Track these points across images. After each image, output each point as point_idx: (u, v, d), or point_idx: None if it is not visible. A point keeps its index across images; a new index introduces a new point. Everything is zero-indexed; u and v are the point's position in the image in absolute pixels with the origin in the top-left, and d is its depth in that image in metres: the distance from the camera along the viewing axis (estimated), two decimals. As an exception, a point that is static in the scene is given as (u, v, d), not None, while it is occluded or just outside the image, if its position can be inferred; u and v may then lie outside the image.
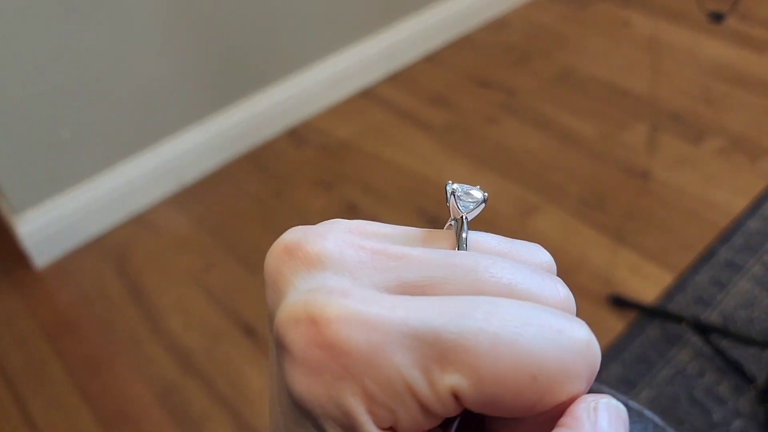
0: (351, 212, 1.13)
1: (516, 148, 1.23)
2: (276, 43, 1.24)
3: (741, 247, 1.03)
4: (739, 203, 1.09)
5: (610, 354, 0.91)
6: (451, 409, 0.14)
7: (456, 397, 0.14)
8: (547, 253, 0.18)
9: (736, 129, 1.22)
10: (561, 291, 0.16)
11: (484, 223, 1.09)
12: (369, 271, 0.16)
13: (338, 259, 0.16)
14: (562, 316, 0.15)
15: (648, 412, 0.38)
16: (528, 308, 0.15)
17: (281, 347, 0.15)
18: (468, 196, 0.19)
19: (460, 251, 0.17)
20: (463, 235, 0.18)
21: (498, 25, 1.54)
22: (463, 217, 0.19)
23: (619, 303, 0.96)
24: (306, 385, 0.15)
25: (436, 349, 0.14)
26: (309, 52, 1.30)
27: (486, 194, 0.19)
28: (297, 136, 1.31)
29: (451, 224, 0.19)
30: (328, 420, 0.15)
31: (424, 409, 0.14)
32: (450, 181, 0.20)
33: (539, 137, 1.24)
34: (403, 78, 1.42)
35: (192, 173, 1.22)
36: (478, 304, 0.14)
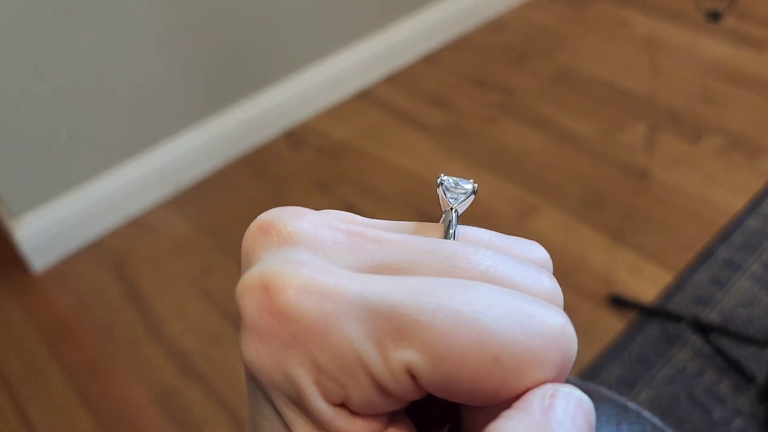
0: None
1: (514, 148, 1.23)
2: (273, 45, 1.24)
3: (740, 246, 1.03)
4: (738, 202, 1.09)
5: (609, 354, 0.91)
6: (408, 389, 0.14)
7: (412, 375, 0.13)
8: (543, 250, 0.17)
9: (734, 128, 1.22)
10: (545, 282, 0.15)
11: (482, 223, 1.08)
12: (343, 251, 0.15)
13: (312, 238, 0.15)
14: (537, 302, 0.14)
15: (647, 413, 0.38)
16: (500, 291, 0.14)
17: (238, 316, 0.15)
18: (457, 188, 0.19)
19: (442, 239, 0.16)
20: (451, 229, 0.17)
21: (496, 26, 1.54)
22: (453, 209, 0.18)
23: (619, 303, 0.96)
24: (255, 352, 0.14)
25: (392, 324, 0.13)
26: (306, 54, 1.30)
27: (476, 185, 0.19)
28: (295, 137, 1.31)
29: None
30: (277, 391, 0.14)
31: (378, 386, 0.14)
32: (441, 174, 0.19)
33: (538, 137, 1.24)
34: (401, 79, 1.42)
35: (190, 176, 1.22)
36: (443, 282, 0.14)
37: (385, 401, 0.14)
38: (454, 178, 0.19)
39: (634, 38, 1.45)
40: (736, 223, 1.06)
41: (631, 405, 0.38)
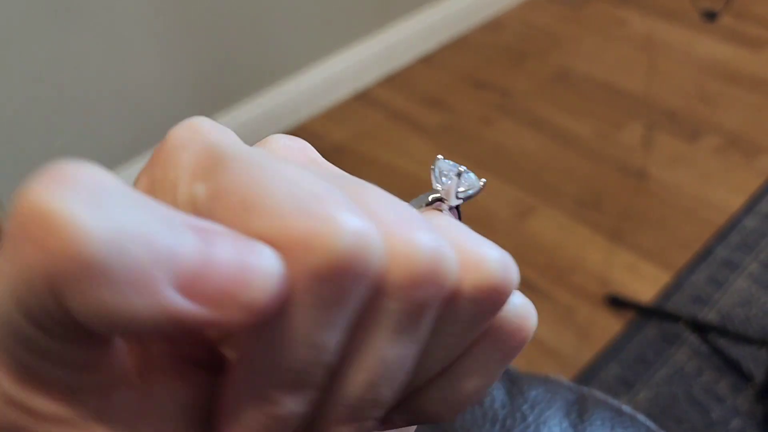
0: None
1: (512, 149, 1.23)
2: (270, 47, 1.24)
3: (738, 245, 1.03)
4: (735, 201, 1.09)
5: (607, 354, 0.91)
6: None
7: (195, 206, 0.13)
8: (497, 250, 0.14)
9: (732, 127, 1.22)
10: (424, 239, 0.12)
11: (479, 224, 1.09)
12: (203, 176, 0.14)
13: (275, 150, 0.16)
14: (345, 204, 0.12)
15: (641, 417, 0.38)
16: (333, 189, 0.12)
17: None
18: (448, 171, 0.17)
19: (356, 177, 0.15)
20: (422, 204, 0.16)
21: (494, 26, 1.54)
22: (435, 190, 0.17)
23: (617, 303, 0.96)
24: None
25: (214, 164, 0.13)
26: (303, 56, 1.30)
27: (464, 169, 0.17)
28: (292, 140, 1.31)
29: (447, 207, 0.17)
30: None
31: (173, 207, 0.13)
32: (440, 156, 0.18)
33: (535, 138, 1.24)
34: (398, 80, 1.42)
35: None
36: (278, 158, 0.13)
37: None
38: (455, 164, 0.18)
39: (631, 38, 1.45)
40: (734, 222, 1.06)
41: (626, 408, 0.38)
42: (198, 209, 0.13)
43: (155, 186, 0.14)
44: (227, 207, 0.12)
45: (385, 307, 0.12)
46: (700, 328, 0.90)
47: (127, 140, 1.13)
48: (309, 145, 0.17)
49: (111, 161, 1.13)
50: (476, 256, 0.13)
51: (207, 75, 1.18)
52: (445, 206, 0.17)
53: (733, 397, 0.86)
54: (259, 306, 0.11)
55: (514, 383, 0.37)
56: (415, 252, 0.12)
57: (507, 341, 0.15)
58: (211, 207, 0.12)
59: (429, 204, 0.17)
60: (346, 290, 0.12)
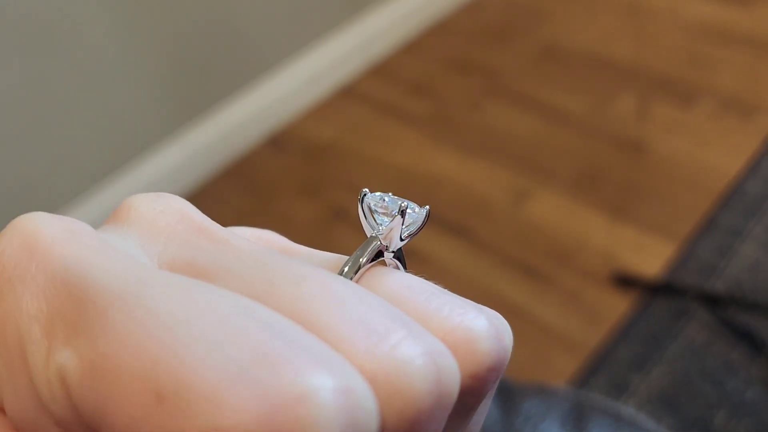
0: (341, 217, 1.11)
1: (503, 132, 1.20)
2: (243, 46, 1.22)
3: (741, 211, 1.01)
4: (735, 165, 1.07)
5: (617, 334, 0.90)
6: (62, 407, 0.10)
7: (64, 384, 0.09)
8: (480, 316, 0.12)
9: (725, 89, 1.19)
10: (404, 348, 0.10)
11: (475, 214, 1.07)
12: (171, 241, 0.12)
13: (148, 219, 0.13)
14: (314, 348, 0.09)
15: (642, 417, 0.36)
16: (264, 316, 0.09)
17: None
18: (386, 209, 0.14)
19: (296, 261, 0.12)
20: (360, 260, 0.13)
21: (474, 6, 1.51)
22: (372, 238, 0.13)
23: (623, 281, 0.94)
24: None
25: (76, 307, 0.10)
26: (279, 51, 1.27)
27: (407, 204, 0.14)
28: (277, 142, 1.29)
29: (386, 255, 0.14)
30: None
31: (32, 388, 0.10)
32: (365, 190, 0.15)
33: (526, 119, 1.22)
34: (381, 70, 1.39)
35: (174, 193, 1.21)
36: (184, 280, 0.10)
37: (39, 414, 0.10)
38: (383, 196, 0.15)
39: (615, 6, 1.42)
40: (735, 187, 1.04)
41: (625, 411, 0.36)
42: (71, 392, 0.09)
43: None
44: (114, 390, 0.09)
45: None
46: (709, 299, 0.88)
47: (105, 160, 1.12)
48: (270, 234, 0.15)
49: (89, 181, 1.12)
50: (465, 336, 0.11)
51: (181, 84, 1.16)
52: (389, 255, 0.14)
53: (747, 367, 0.84)
54: None
55: (506, 397, 0.35)
56: (410, 389, 0.10)
57: (486, 391, 0.12)
58: (93, 388, 0.09)
59: (372, 260, 0.13)
60: None
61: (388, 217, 0.14)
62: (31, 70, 0.97)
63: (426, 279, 0.14)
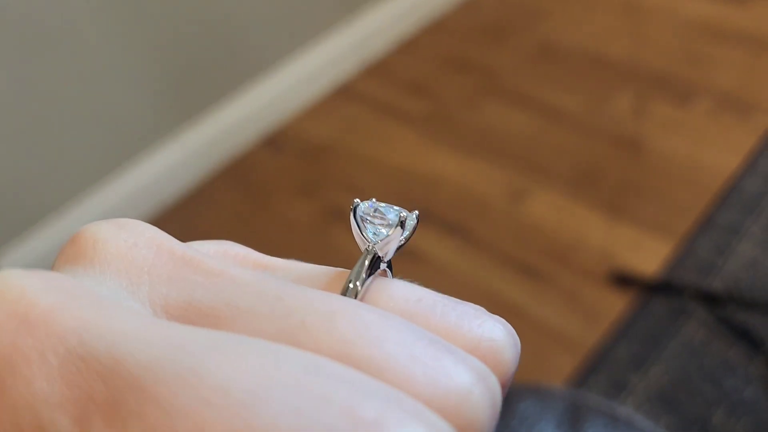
0: (338, 218, 1.11)
1: (500, 131, 1.20)
2: (239, 45, 1.22)
3: (739, 209, 1.01)
4: (732, 163, 1.06)
5: (616, 333, 0.90)
6: None
7: None
8: (500, 326, 0.12)
9: (722, 87, 1.19)
10: (459, 377, 0.10)
11: (473, 213, 1.07)
12: (156, 280, 0.11)
13: (123, 256, 0.11)
14: (385, 394, 0.09)
15: (638, 417, 0.36)
16: (327, 371, 0.09)
17: None
18: (380, 219, 0.14)
19: (307, 289, 0.11)
20: (353, 283, 0.12)
21: (470, 4, 1.50)
22: (369, 250, 0.13)
23: (621, 280, 0.94)
24: None
25: (110, 389, 0.08)
26: (275, 51, 1.27)
27: (406, 215, 0.14)
28: (274, 143, 1.29)
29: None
30: None
31: None
32: (357, 200, 0.14)
33: (523, 117, 1.22)
34: (377, 69, 1.39)
35: (169, 195, 1.20)
36: (228, 339, 0.09)
37: None
38: (377, 204, 0.14)
39: (612, 3, 1.42)
40: (732, 185, 1.04)
41: (621, 411, 0.36)
42: None
43: None
44: None
45: None
46: (707, 297, 0.88)
47: (100, 159, 1.12)
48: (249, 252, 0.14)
49: (86, 181, 1.12)
50: (491, 347, 0.12)
51: (177, 84, 1.16)
52: (384, 265, 0.13)
53: (745, 365, 0.84)
54: None
55: (501, 397, 0.35)
56: (478, 419, 0.10)
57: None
58: None
59: (371, 273, 0.13)
60: None
61: (384, 227, 0.14)
62: (27, 70, 0.97)
63: (418, 280, 0.14)
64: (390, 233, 0.13)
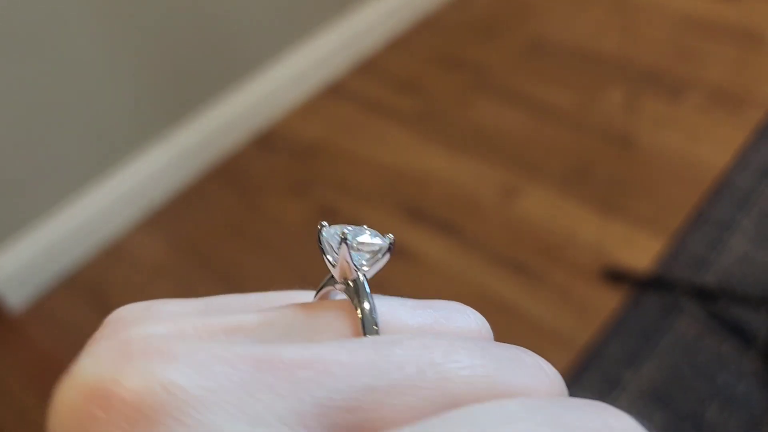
0: (331, 216, 1.10)
1: (491, 128, 1.20)
2: (228, 45, 1.21)
3: (730, 203, 1.01)
4: (723, 158, 1.06)
5: (608, 330, 0.89)
6: None
7: None
8: (477, 314, 0.13)
9: (713, 82, 1.19)
10: (549, 372, 0.11)
11: (464, 212, 1.06)
12: (265, 396, 0.09)
13: (206, 396, 0.09)
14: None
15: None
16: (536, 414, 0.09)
17: None
18: (362, 244, 0.13)
19: (388, 337, 0.11)
20: (365, 306, 0.12)
21: (460, 2, 1.50)
22: (361, 278, 0.13)
23: (613, 276, 0.93)
24: None
25: None
26: (265, 50, 1.26)
27: (391, 238, 0.13)
28: (264, 142, 1.28)
29: (332, 288, 0.13)
30: None
31: None
32: (324, 223, 0.14)
33: (514, 115, 1.21)
34: (368, 67, 1.38)
35: (160, 195, 1.19)
36: None
37: None
38: (352, 229, 0.14)
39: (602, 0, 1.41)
40: (724, 180, 1.04)
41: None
42: None
43: None
44: None
45: None
46: (700, 293, 0.88)
47: (91, 162, 1.11)
48: None
49: (75, 183, 1.10)
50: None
51: (167, 84, 1.15)
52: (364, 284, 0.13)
53: (738, 360, 0.84)
54: None
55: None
56: (563, 388, 0.12)
57: None
58: None
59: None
60: None
61: (366, 252, 0.13)
62: (15, 72, 0.96)
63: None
64: (376, 263, 0.13)
